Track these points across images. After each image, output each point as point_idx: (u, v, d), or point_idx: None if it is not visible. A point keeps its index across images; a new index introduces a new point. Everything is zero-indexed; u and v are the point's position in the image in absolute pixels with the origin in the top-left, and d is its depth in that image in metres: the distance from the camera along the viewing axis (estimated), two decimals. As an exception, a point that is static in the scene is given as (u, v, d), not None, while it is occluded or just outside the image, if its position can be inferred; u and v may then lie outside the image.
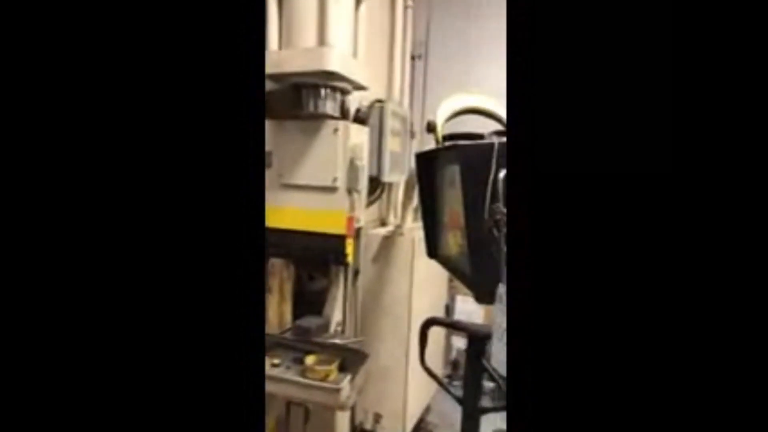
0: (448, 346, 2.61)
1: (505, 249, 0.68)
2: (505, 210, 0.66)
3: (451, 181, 0.88)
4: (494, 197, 0.69)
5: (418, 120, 2.55)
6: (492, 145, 0.71)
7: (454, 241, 0.92)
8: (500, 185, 0.68)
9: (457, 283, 2.97)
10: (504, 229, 0.67)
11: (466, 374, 1.16)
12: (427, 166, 1.03)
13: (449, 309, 2.52)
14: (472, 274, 0.77)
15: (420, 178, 1.05)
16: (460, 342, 2.59)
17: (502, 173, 0.69)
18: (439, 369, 2.32)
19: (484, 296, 0.78)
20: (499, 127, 0.90)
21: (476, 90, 0.92)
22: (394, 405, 1.90)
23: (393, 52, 2.34)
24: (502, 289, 0.72)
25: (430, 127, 0.87)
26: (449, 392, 1.18)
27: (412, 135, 2.45)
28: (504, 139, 0.73)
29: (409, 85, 2.53)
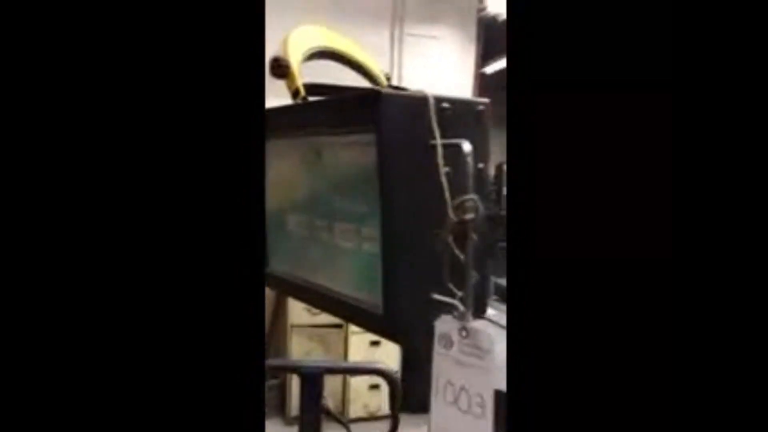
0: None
1: (472, 269, 0.43)
2: (479, 206, 0.41)
3: (329, 158, 0.55)
4: (460, 186, 0.42)
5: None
6: (425, 99, 0.44)
7: (322, 253, 0.60)
8: (469, 168, 0.42)
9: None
10: (474, 238, 0.41)
11: (302, 423, 0.86)
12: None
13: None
14: (392, 303, 0.49)
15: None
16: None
17: (467, 146, 0.43)
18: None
19: (405, 335, 0.51)
20: (367, 83, 0.63)
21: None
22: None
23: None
24: (446, 326, 0.47)
25: (280, 68, 0.51)
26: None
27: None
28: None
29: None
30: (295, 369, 0.89)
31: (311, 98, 0.54)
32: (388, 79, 0.65)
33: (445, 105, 0.47)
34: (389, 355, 2.30)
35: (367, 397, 2.45)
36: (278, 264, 0.69)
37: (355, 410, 2.46)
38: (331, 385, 2.30)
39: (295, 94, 0.52)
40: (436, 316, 0.51)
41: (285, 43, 0.53)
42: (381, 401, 2.40)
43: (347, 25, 2.60)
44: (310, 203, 0.61)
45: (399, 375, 0.90)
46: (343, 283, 0.58)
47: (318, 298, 0.61)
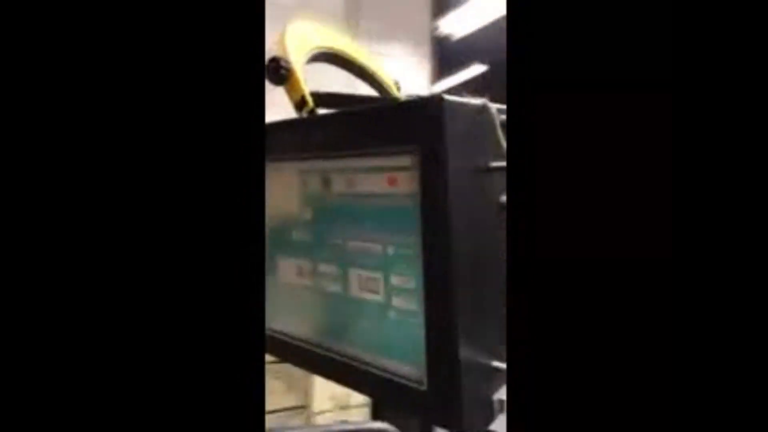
0: None
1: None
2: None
3: (342, 187, 0.42)
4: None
5: None
6: (485, 108, 0.34)
7: (331, 308, 0.47)
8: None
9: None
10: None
11: None
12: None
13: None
14: (440, 374, 0.37)
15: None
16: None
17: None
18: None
19: (459, 416, 0.39)
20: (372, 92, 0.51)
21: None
22: None
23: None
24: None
25: (280, 72, 0.38)
26: None
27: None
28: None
29: None
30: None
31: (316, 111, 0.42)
32: (398, 89, 0.54)
33: (504, 117, 0.37)
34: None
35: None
36: (274, 322, 0.55)
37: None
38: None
39: (300, 105, 0.40)
40: (498, 390, 0.39)
41: (282, 41, 0.41)
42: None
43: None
44: (311, 245, 0.48)
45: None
46: (363, 347, 0.45)
47: (327, 367, 0.47)
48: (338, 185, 0.45)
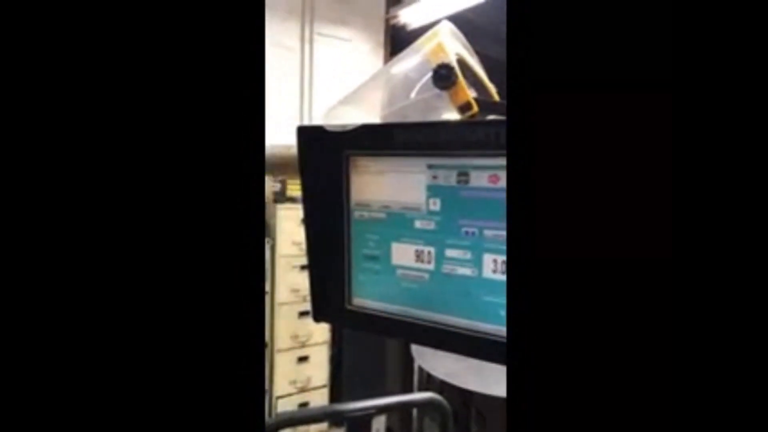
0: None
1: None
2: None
3: (480, 181, 0.48)
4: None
5: None
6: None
7: (459, 289, 0.53)
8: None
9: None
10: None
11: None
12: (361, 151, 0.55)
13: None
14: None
15: (318, 176, 0.55)
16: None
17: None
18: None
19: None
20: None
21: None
22: None
23: None
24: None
25: (451, 78, 0.42)
26: None
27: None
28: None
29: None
30: (340, 415, 0.76)
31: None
32: (498, 94, 0.59)
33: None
34: (318, 368, 2.27)
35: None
36: (375, 301, 0.59)
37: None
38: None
39: (464, 108, 0.44)
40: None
41: (444, 48, 0.44)
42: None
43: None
44: (437, 232, 0.54)
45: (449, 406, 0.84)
46: (498, 322, 0.52)
47: (455, 340, 0.53)
48: (477, 180, 0.50)
